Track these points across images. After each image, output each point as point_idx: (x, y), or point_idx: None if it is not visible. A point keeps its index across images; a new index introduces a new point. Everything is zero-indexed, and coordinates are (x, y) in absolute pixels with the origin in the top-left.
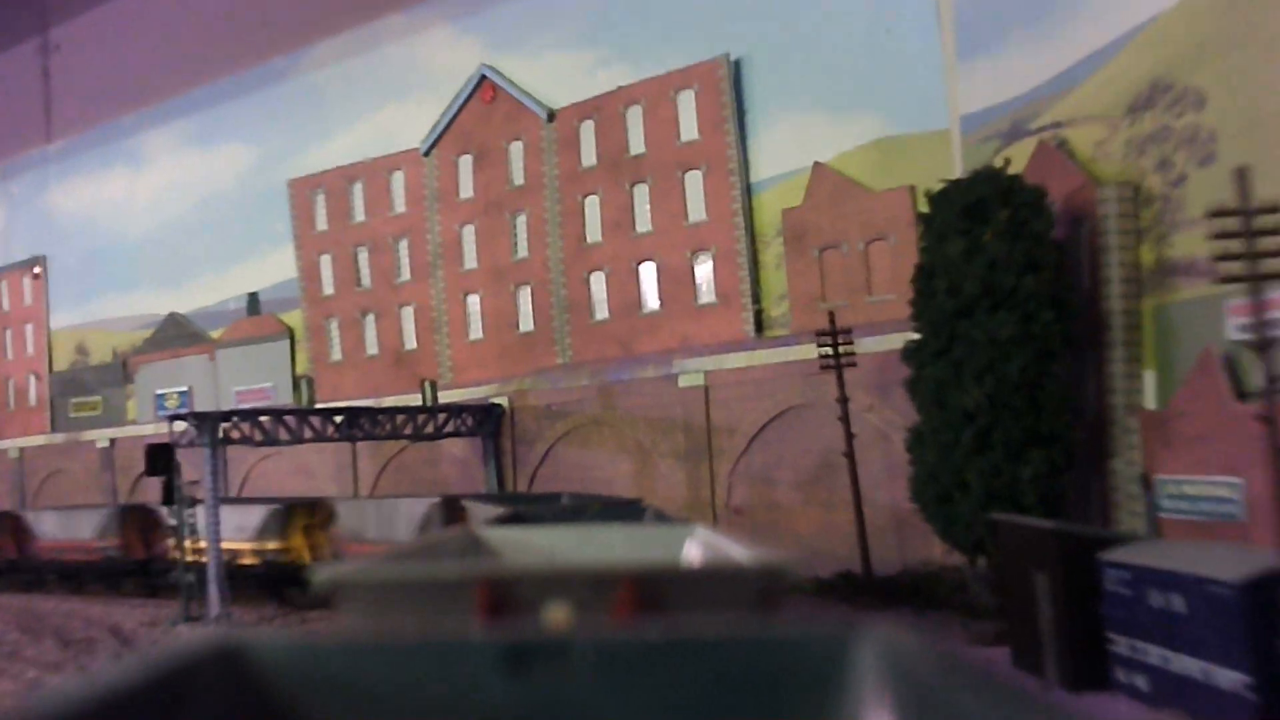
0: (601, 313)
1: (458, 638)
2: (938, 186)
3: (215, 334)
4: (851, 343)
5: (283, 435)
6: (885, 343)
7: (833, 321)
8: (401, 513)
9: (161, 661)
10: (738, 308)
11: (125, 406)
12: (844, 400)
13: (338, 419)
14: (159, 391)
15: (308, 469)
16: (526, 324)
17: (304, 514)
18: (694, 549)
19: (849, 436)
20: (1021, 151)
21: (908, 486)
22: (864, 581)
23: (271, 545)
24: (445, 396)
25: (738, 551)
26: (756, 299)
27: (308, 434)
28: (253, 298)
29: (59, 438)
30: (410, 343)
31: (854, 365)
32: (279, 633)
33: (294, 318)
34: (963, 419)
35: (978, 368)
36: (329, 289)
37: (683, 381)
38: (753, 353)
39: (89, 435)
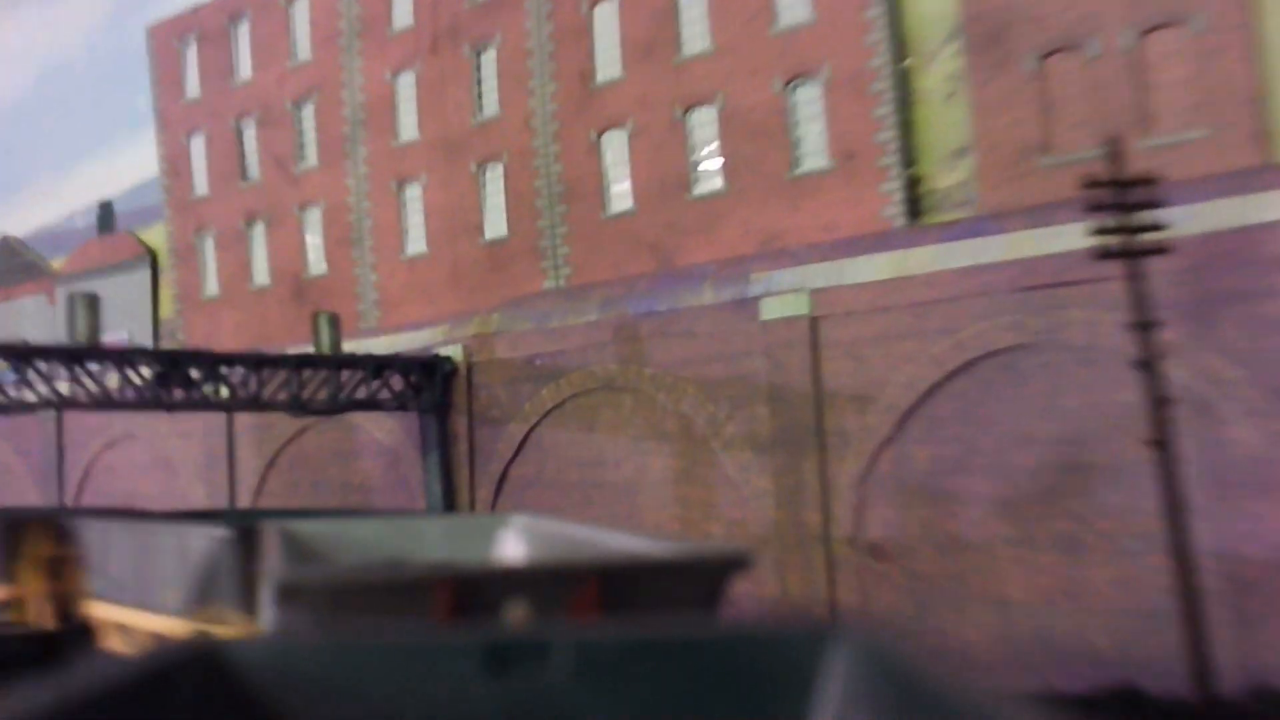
0: (622, 200)
1: (437, 638)
2: None
3: (58, 263)
4: (1159, 204)
5: (27, 395)
6: (1203, 219)
7: (1117, 160)
8: (168, 551)
9: (141, 663)
10: (871, 176)
11: None
12: (1147, 327)
13: (144, 369)
14: None
15: (168, 462)
16: (496, 226)
17: (42, 538)
18: (513, 541)
19: (1159, 406)
20: None
21: None
22: (1188, 711)
23: None
24: (370, 346)
25: (585, 538)
26: (909, 158)
27: (80, 394)
28: (105, 209)
29: None
30: (317, 264)
31: (1164, 252)
32: (258, 634)
33: (160, 234)
34: None
35: None
36: (202, 187)
37: (767, 311)
38: (904, 254)
39: None
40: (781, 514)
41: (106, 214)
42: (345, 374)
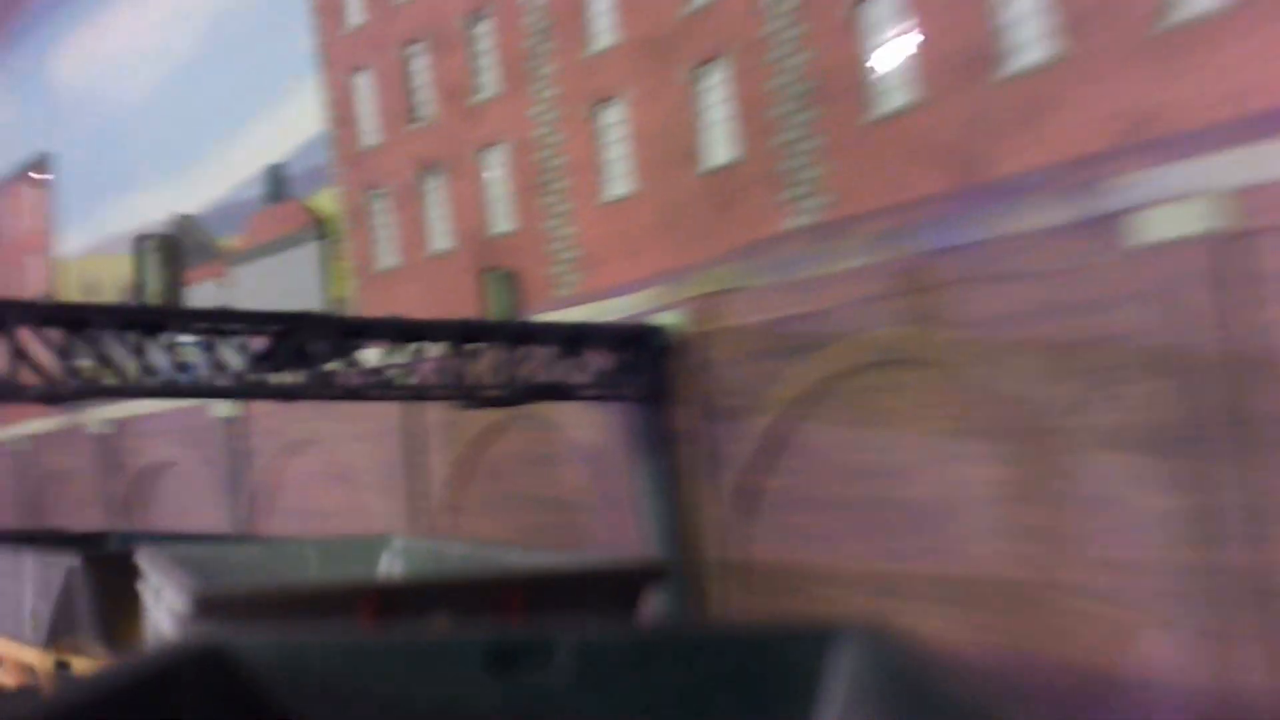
0: (897, 93)
1: (442, 639)
2: None
3: (229, 241)
4: None
5: (41, 380)
6: None
7: None
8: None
9: (147, 662)
10: None
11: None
12: None
13: (232, 335)
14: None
15: (346, 471)
16: (720, 150)
17: None
18: (395, 562)
19: None
20: None
21: None
22: None
23: None
24: (563, 315)
25: (471, 555)
26: None
27: (147, 381)
28: (273, 174)
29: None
30: (501, 219)
31: None
32: (263, 633)
33: (332, 198)
34: None
35: None
36: (370, 136)
37: (1145, 231)
38: None
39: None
40: (1197, 553)
41: (275, 180)
42: (520, 350)
